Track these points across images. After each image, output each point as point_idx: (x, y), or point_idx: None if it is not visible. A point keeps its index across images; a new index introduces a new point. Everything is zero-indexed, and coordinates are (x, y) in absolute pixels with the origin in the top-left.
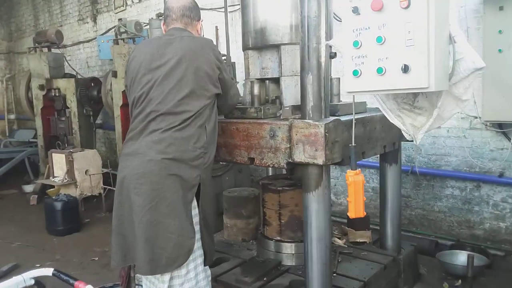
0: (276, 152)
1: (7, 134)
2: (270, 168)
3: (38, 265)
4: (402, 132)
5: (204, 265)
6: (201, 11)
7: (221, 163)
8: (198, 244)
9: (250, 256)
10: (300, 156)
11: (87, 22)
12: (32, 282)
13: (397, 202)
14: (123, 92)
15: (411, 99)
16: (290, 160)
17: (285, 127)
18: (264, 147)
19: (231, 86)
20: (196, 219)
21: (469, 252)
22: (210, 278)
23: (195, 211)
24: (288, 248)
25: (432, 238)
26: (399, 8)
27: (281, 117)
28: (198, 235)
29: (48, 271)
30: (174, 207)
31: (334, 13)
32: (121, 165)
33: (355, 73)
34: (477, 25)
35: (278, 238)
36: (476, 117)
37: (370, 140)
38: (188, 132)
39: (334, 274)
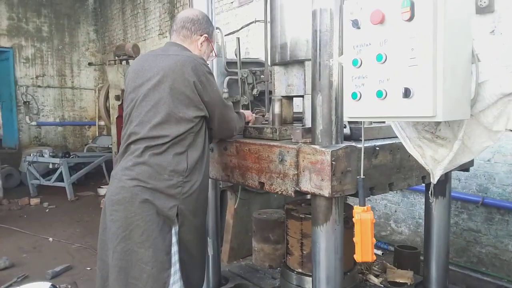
0: (285, 179)
1: (92, 140)
2: None
3: (89, 268)
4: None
5: None
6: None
7: None
8: (177, 276)
9: (272, 285)
10: (306, 185)
11: (166, 36)
12: None
13: (445, 240)
14: None
15: (433, 127)
16: (297, 189)
17: (293, 151)
18: (273, 171)
19: (219, 110)
20: (175, 248)
21: None
22: None
23: (175, 243)
24: (309, 283)
25: (502, 283)
26: (401, 20)
27: (292, 140)
28: (177, 266)
29: (46, 285)
30: (149, 236)
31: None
32: (107, 187)
33: (354, 96)
34: None
35: (300, 270)
36: None
37: (401, 169)
38: (164, 159)
39: None
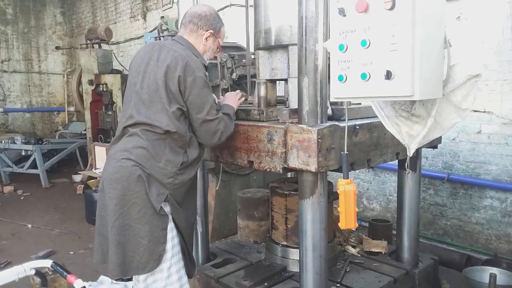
0: (273, 157)
1: (63, 126)
2: None
3: (72, 252)
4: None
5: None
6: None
7: None
8: (177, 248)
9: (257, 259)
10: (294, 162)
11: (138, 20)
12: (33, 272)
13: (415, 212)
14: None
15: (409, 106)
16: (285, 166)
17: (281, 131)
18: (262, 150)
19: (199, 118)
20: (171, 225)
21: (492, 273)
22: None
23: (171, 220)
24: (294, 254)
25: (465, 252)
26: (384, 9)
27: (279, 121)
28: (175, 241)
29: (47, 263)
30: (145, 213)
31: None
32: (103, 168)
33: (340, 78)
34: None
35: (284, 243)
36: None
37: (378, 146)
38: (161, 148)
39: (338, 285)
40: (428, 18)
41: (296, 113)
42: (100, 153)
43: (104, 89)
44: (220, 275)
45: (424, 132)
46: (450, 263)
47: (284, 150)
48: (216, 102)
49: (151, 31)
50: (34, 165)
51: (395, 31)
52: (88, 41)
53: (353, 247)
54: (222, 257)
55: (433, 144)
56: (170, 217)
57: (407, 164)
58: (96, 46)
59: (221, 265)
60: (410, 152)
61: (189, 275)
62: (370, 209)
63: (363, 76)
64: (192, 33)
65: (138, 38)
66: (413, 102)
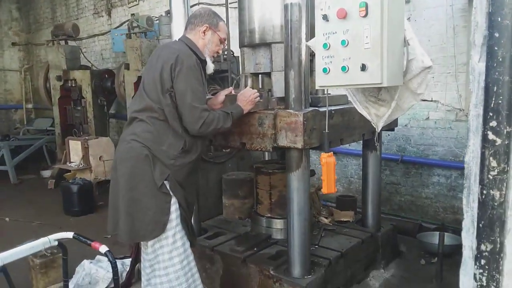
0: (264, 138)
1: (25, 123)
2: (266, 155)
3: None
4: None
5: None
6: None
7: (224, 150)
8: (180, 219)
9: (244, 231)
10: (283, 141)
11: (102, 16)
12: (56, 243)
13: (377, 185)
14: (135, 83)
15: (376, 93)
16: (275, 145)
17: (271, 116)
18: (253, 133)
19: (185, 104)
20: (174, 199)
21: (440, 231)
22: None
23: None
24: (278, 224)
25: (418, 222)
26: (359, 16)
27: (268, 107)
28: (179, 211)
29: (69, 235)
30: (152, 188)
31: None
32: (116, 149)
33: (324, 70)
34: (464, 23)
35: (269, 215)
36: (461, 110)
37: (348, 128)
38: (164, 132)
39: (316, 246)
40: (392, 23)
41: (282, 100)
42: (74, 147)
43: (73, 85)
44: (214, 244)
45: (389, 113)
46: (405, 231)
47: (273, 132)
48: (231, 93)
49: (116, 28)
50: (0, 162)
51: (368, 33)
52: (55, 37)
53: (325, 218)
54: (212, 231)
55: (391, 127)
56: (172, 192)
57: (376, 138)
58: (62, 42)
59: (213, 238)
60: (378, 129)
61: (192, 243)
62: None
63: (343, 68)
64: (191, 31)
65: (103, 34)
66: (380, 88)
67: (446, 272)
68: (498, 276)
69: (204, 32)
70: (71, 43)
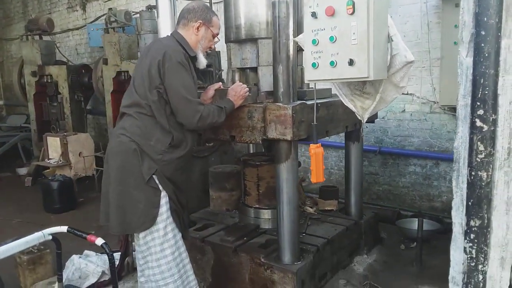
0: (253, 131)
1: None
2: (251, 148)
3: None
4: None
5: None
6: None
7: (207, 144)
8: (170, 211)
9: (232, 222)
10: (272, 133)
11: (76, 10)
12: (50, 237)
13: (359, 175)
14: (114, 78)
15: (361, 86)
16: (264, 137)
17: (260, 109)
18: (243, 126)
19: (177, 100)
20: (164, 193)
21: (418, 218)
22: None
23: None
24: (265, 214)
25: (396, 210)
26: (347, 14)
27: (257, 101)
28: (169, 205)
29: (63, 229)
30: (141, 181)
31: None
32: (108, 143)
33: (313, 65)
34: (437, 19)
35: (257, 205)
36: (435, 102)
37: (333, 121)
38: (152, 127)
39: (304, 234)
40: (377, 20)
41: (270, 94)
42: (53, 143)
43: (49, 81)
44: (204, 235)
45: (373, 105)
46: (384, 219)
47: (263, 125)
48: (220, 87)
49: (92, 22)
50: None
51: (355, 29)
52: (29, 32)
53: (310, 207)
54: (201, 223)
55: (372, 119)
56: (161, 187)
57: (362, 129)
58: (36, 37)
59: (202, 229)
60: (364, 120)
61: (185, 236)
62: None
63: (332, 63)
64: (184, 27)
65: (78, 29)
66: (364, 82)
67: (425, 256)
68: (486, 249)
69: (197, 28)
70: (45, 38)
